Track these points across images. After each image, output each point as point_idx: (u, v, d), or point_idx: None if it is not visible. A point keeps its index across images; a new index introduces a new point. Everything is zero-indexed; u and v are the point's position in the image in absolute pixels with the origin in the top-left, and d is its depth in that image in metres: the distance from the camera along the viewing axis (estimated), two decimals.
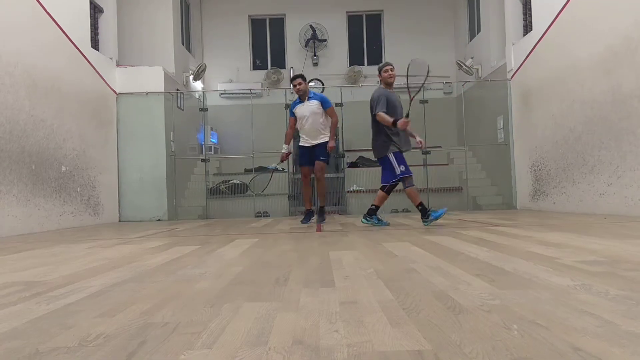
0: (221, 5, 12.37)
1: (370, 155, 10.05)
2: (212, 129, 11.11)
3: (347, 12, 12.60)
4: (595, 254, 2.64)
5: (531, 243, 3.23)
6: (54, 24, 6.74)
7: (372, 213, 5.31)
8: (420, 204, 5.07)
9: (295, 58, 12.44)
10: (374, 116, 5.34)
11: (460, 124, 10.13)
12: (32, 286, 2.19)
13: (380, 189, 5.26)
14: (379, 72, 5.59)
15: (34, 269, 2.76)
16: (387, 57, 12.48)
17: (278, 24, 12.72)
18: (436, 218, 5.08)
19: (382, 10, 12.59)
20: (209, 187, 9.57)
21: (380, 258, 2.78)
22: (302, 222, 6.07)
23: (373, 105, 5.37)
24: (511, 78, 8.55)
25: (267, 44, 12.75)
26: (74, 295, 1.96)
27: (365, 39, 12.72)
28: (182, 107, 9.73)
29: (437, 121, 10.31)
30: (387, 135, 5.26)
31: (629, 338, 1.20)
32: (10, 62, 5.72)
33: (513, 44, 8.47)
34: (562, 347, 1.15)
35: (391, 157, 5.17)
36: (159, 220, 8.56)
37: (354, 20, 12.74)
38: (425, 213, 5.06)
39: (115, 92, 8.57)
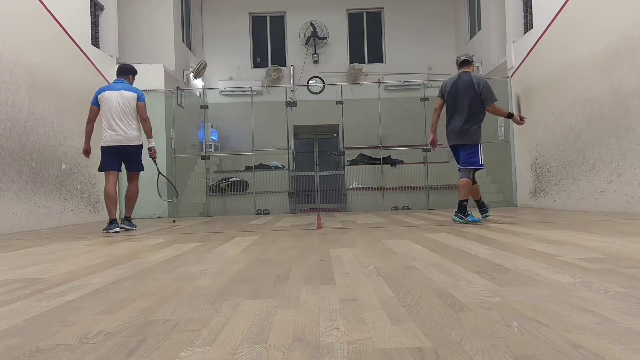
0: (222, 3, 12.36)
1: (371, 153, 10.14)
2: (212, 127, 11.11)
3: (347, 10, 12.59)
4: (595, 251, 2.63)
5: (532, 240, 3.23)
6: (55, 22, 6.74)
7: (464, 210, 5.02)
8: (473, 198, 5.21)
9: (296, 56, 12.43)
10: (483, 100, 5.05)
11: None
12: (32, 283, 2.19)
13: (463, 177, 5.07)
14: (470, 62, 5.26)
15: (34, 266, 2.76)
16: (387, 55, 12.48)
17: (278, 21, 12.70)
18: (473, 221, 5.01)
19: (382, 8, 12.57)
20: (209, 184, 9.57)
21: (381, 255, 2.78)
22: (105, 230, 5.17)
23: (484, 90, 5.05)
24: (512, 76, 8.54)
25: (267, 41, 12.74)
26: (75, 292, 1.96)
27: (366, 37, 12.71)
28: (182, 105, 9.73)
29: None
30: (480, 125, 5.15)
31: (629, 335, 1.20)
32: (10, 60, 5.72)
33: (514, 42, 8.46)
34: (562, 345, 1.15)
35: (480, 147, 5.14)
36: (159, 217, 8.56)
37: (354, 18, 12.73)
38: (484, 207, 5.28)
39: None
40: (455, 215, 5.08)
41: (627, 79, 5.44)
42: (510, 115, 5.29)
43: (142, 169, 5.61)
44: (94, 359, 1.17)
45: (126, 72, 5.54)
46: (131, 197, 5.54)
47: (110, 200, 5.24)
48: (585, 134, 6.30)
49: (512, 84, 8.54)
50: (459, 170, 5.18)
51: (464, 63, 5.20)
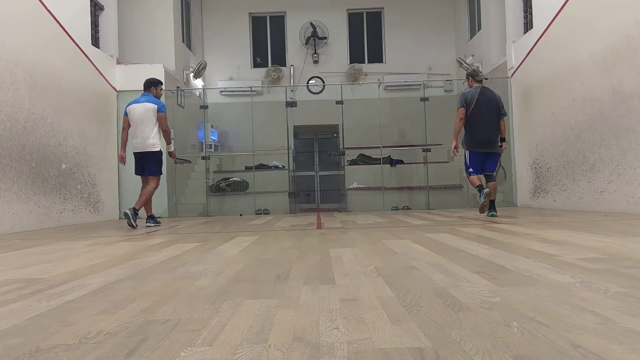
0: (222, 3, 12.37)
1: (371, 152, 10.14)
2: (212, 127, 11.11)
3: (347, 10, 12.59)
4: (595, 251, 2.64)
5: (532, 240, 3.23)
6: (55, 22, 6.74)
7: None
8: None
9: (296, 56, 12.43)
10: (502, 116, 5.88)
11: None
12: (32, 283, 2.19)
13: (491, 180, 5.85)
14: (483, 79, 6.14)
15: (34, 266, 2.76)
16: (387, 55, 12.48)
17: (278, 21, 12.71)
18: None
19: (382, 8, 12.57)
20: (209, 184, 9.57)
21: (381, 255, 2.78)
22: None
23: (502, 106, 5.91)
24: (512, 76, 8.54)
25: (267, 41, 12.74)
26: (75, 292, 1.96)
27: (366, 37, 12.71)
28: (182, 105, 9.73)
29: (438, 119, 10.31)
30: None
31: (629, 335, 1.20)
32: (10, 60, 5.72)
33: (514, 42, 8.46)
34: (562, 344, 1.15)
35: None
36: (159, 217, 8.56)
37: (354, 18, 12.73)
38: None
39: (115, 90, 8.57)
40: (490, 213, 5.73)
41: (627, 79, 5.44)
42: (503, 139, 5.96)
43: (158, 173, 6.07)
44: (94, 359, 1.17)
45: (148, 86, 6.19)
46: (144, 194, 6.00)
47: (146, 199, 6.02)
48: (585, 134, 6.30)
49: (512, 84, 8.54)
50: (484, 175, 5.91)
51: (482, 80, 6.01)
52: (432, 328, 1.31)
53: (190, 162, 7.36)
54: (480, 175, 5.81)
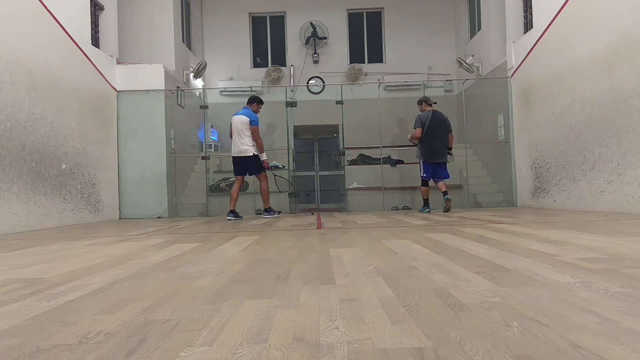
0: (222, 3, 12.37)
1: (371, 152, 10.16)
2: (212, 127, 11.10)
3: (347, 10, 12.59)
4: (595, 251, 2.64)
5: (532, 240, 3.23)
6: (55, 22, 6.74)
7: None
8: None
9: (296, 56, 12.43)
10: (449, 132, 7.32)
11: (461, 122, 10.13)
12: (32, 283, 2.19)
13: (442, 182, 7.30)
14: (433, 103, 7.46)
15: (34, 266, 2.76)
16: (387, 55, 12.48)
17: (278, 21, 12.70)
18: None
19: (382, 8, 12.57)
20: (209, 184, 9.57)
21: (381, 255, 2.78)
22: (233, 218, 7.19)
23: (449, 124, 7.37)
24: (512, 76, 8.54)
25: (267, 41, 12.74)
26: (75, 292, 1.96)
27: (366, 37, 12.71)
28: (182, 105, 9.73)
29: None
30: None
31: (629, 335, 1.20)
32: (10, 60, 5.72)
33: (514, 42, 8.46)
34: (562, 345, 1.15)
35: None
36: (159, 217, 8.56)
37: (354, 18, 12.73)
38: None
39: (115, 90, 8.57)
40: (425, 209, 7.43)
41: (627, 79, 5.44)
42: (450, 149, 7.41)
43: (257, 173, 7.10)
44: (94, 359, 1.17)
45: (251, 102, 7.17)
46: (262, 193, 7.20)
47: (231, 196, 7.15)
48: (585, 134, 6.30)
49: (512, 83, 8.54)
50: (433, 180, 7.40)
51: (432, 104, 7.37)
52: (432, 328, 1.31)
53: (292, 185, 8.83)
54: (429, 187, 7.46)
